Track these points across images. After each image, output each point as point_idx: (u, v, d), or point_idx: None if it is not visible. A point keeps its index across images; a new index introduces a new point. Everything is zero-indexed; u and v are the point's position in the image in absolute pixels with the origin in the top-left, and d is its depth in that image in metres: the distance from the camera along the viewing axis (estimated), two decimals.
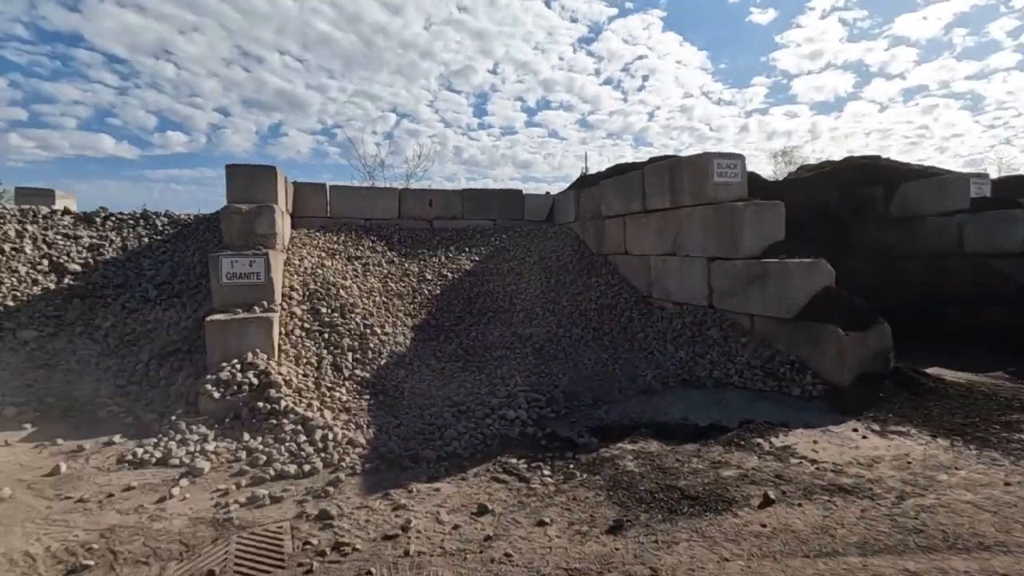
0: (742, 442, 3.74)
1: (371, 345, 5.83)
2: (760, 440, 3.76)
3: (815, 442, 3.69)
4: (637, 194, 7.30)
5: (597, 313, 7.17)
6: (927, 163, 13.20)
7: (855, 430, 3.85)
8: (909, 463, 3.31)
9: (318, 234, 8.42)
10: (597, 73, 72.82)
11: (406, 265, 8.32)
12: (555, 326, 7.04)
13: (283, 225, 7.04)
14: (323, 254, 7.84)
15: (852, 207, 9.01)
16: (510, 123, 64.69)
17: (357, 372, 5.43)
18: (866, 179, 8.98)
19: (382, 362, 5.69)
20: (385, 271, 7.99)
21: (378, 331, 6.14)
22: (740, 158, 6.10)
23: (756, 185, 10.04)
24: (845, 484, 3.06)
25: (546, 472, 3.42)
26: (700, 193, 6.12)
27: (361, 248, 8.42)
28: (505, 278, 8.34)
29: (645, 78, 71.47)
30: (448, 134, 57.65)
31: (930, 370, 5.28)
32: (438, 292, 7.82)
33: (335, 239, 8.43)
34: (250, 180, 6.52)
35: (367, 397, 5.05)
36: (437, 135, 57.08)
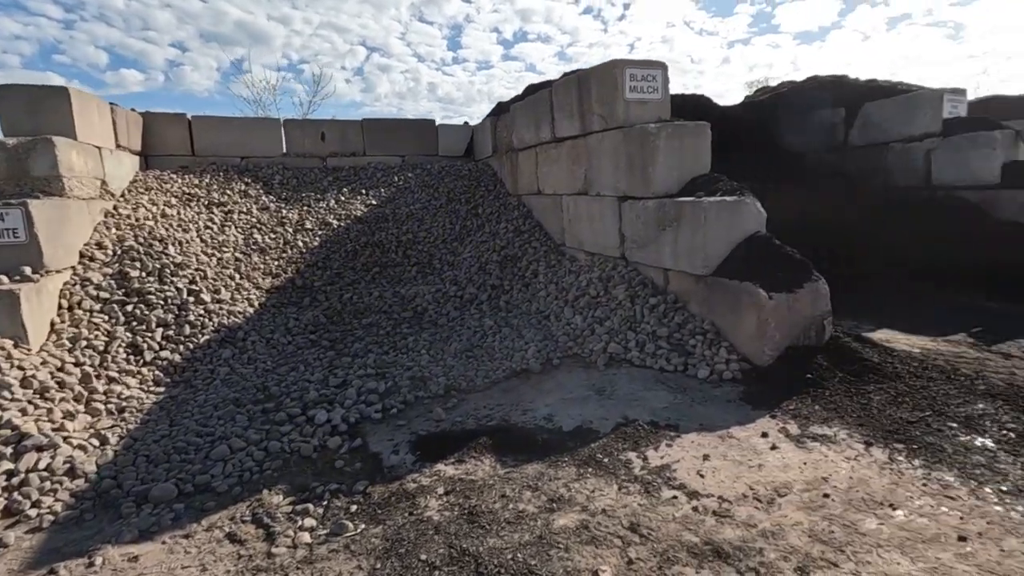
0: (606, 459, 2.67)
1: (191, 318, 4.59)
2: (632, 455, 2.70)
3: (705, 457, 2.63)
4: (546, 119, 5.95)
5: (499, 266, 5.98)
6: None
7: (764, 434, 2.80)
8: (826, 497, 2.27)
9: (175, 176, 6.94)
10: (576, 1, 68.41)
11: (283, 212, 6.95)
12: (448, 284, 5.86)
13: (105, 164, 5.58)
14: (174, 200, 6.41)
15: (811, 133, 7.78)
16: (486, 57, 60.79)
17: (165, 354, 4.23)
18: (827, 101, 7.71)
19: (204, 339, 4.48)
20: (253, 220, 6.63)
21: (207, 298, 4.87)
22: (660, 67, 4.76)
23: (703, 110, 8.73)
24: (725, 544, 2.01)
25: (308, 522, 2.32)
26: (610, 114, 4.81)
27: (229, 192, 7.00)
28: (402, 225, 7.05)
29: (627, 6, 67.39)
30: (422, 69, 53.93)
31: (880, 333, 4.26)
32: (316, 244, 6.52)
33: (196, 182, 6.97)
34: (33, 105, 4.99)
35: (162, 390, 3.87)
36: (410, 71, 53.36)
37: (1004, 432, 2.70)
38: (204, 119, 7.59)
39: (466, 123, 9.00)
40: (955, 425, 2.79)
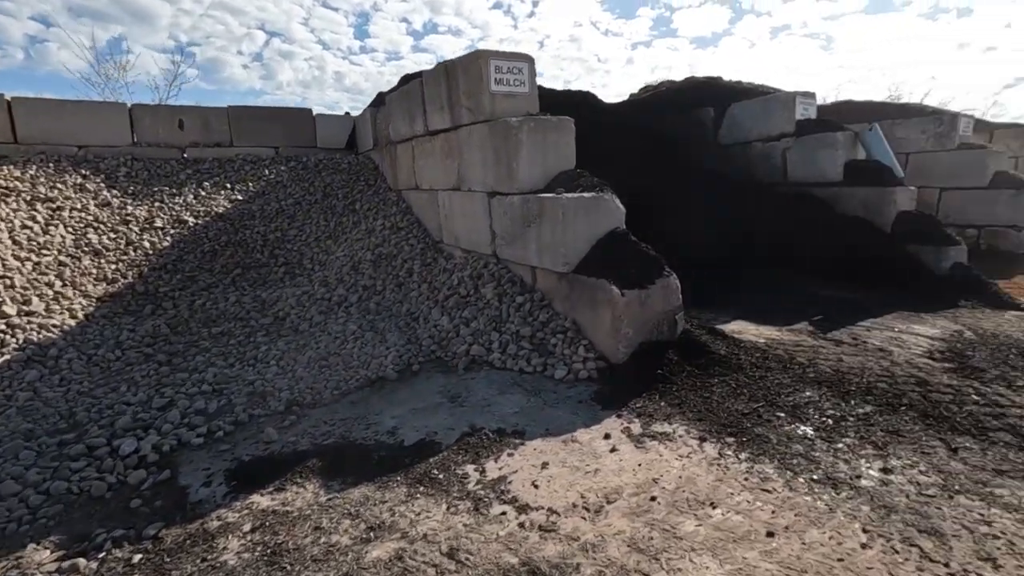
0: (442, 475, 2.49)
1: None
2: (471, 467, 2.54)
3: (544, 466, 2.53)
4: (419, 111, 5.69)
5: (373, 265, 5.66)
6: None
7: (607, 436, 2.76)
8: (653, 500, 2.24)
9: None
10: None
11: (129, 209, 6.18)
12: (317, 285, 5.45)
13: None
14: None
15: (687, 131, 8.11)
16: (395, 47, 58.94)
17: None
18: (701, 100, 8.06)
19: (1, 360, 3.81)
20: (89, 218, 5.83)
21: (11, 311, 4.17)
22: (526, 60, 4.65)
23: (590, 106, 8.86)
24: (543, 564, 1.90)
25: None
26: (477, 107, 4.64)
27: (60, 186, 6.11)
28: (271, 223, 6.51)
29: (535, 3, 67.99)
30: (327, 57, 51.18)
31: (734, 325, 4.44)
32: (167, 245, 5.85)
33: (17, 174, 6.02)
34: None
35: None
36: (315, 58, 50.41)
37: (824, 419, 2.83)
38: (29, 101, 6.57)
39: (347, 114, 8.51)
40: (783, 415, 2.89)
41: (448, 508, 2.25)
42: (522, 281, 4.48)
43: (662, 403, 3.07)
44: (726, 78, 9.31)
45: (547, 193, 4.07)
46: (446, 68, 5.02)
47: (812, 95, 6.84)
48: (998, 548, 1.89)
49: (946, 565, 1.82)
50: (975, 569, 1.80)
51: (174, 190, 6.69)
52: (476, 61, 4.52)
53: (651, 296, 3.52)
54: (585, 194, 3.89)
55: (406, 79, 6.31)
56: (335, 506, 2.30)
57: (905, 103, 10.40)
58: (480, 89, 4.54)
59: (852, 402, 3.01)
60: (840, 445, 2.58)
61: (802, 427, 2.76)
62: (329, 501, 2.34)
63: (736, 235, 6.43)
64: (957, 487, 2.25)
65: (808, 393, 3.13)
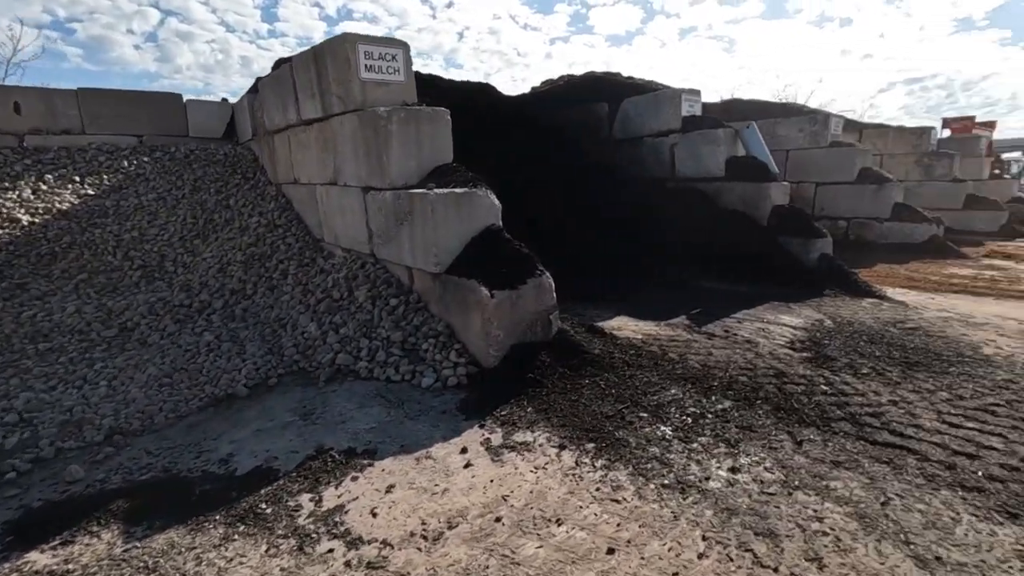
0: (270, 509, 2.21)
1: None
2: (306, 497, 2.28)
3: (389, 489, 2.32)
4: (291, 98, 5.25)
5: (243, 267, 5.17)
6: None
7: (464, 450, 2.59)
8: (498, 521, 2.08)
9: None
10: None
11: None
12: (178, 291, 4.90)
13: None
14: None
15: (583, 126, 8.14)
16: (307, 32, 56.16)
17: None
18: (597, 95, 8.11)
19: None
20: None
21: None
22: (400, 46, 4.37)
23: (489, 99, 8.68)
24: None
25: None
26: (347, 95, 4.30)
27: None
28: (127, 221, 5.81)
29: None
30: (232, 40, 47.54)
31: (615, 321, 4.43)
32: None
33: None
34: None
35: None
36: (218, 41, 46.61)
37: (684, 418, 2.82)
38: None
39: (224, 100, 7.80)
40: (646, 415, 2.86)
41: (268, 550, 1.98)
42: (399, 282, 4.22)
43: (529, 409, 2.95)
44: (630, 74, 9.47)
45: (419, 189, 3.83)
46: (315, 53, 4.64)
47: (697, 92, 7.05)
48: (825, 546, 1.90)
49: (775, 570, 1.80)
50: (802, 571, 1.79)
51: (7, 184, 5.80)
52: (343, 45, 4.18)
53: (523, 296, 3.39)
54: (456, 189, 3.70)
55: (279, 63, 5.81)
56: (130, 559, 1.96)
57: (786, 103, 11.10)
58: (349, 76, 4.21)
59: (713, 398, 3.04)
60: (695, 445, 2.57)
61: (662, 427, 2.73)
62: (125, 553, 1.99)
63: (625, 230, 6.51)
64: (797, 482, 2.27)
65: (674, 391, 3.13)
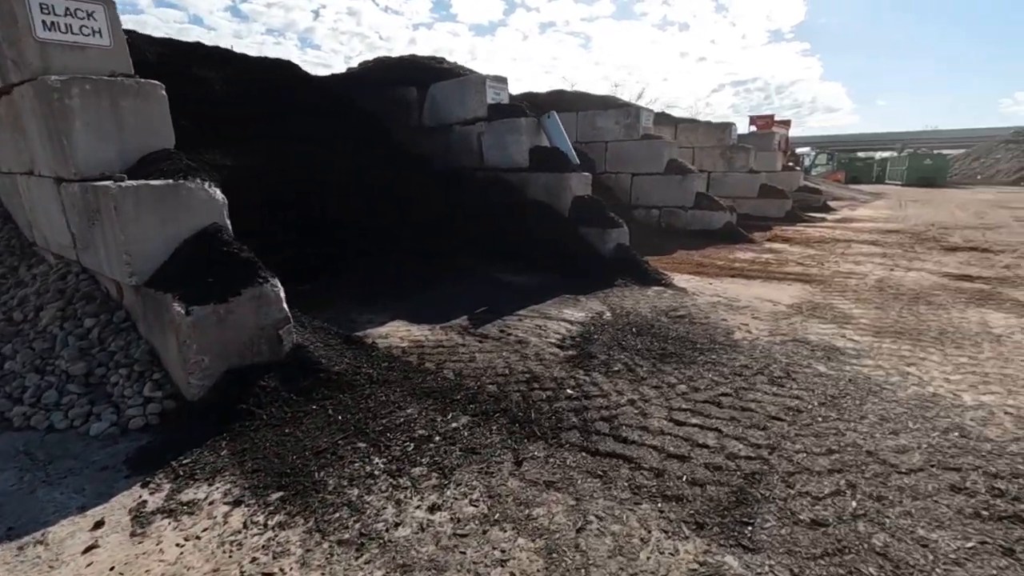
0: None
1: None
2: None
3: None
4: None
5: None
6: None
7: (100, 523, 1.99)
8: None
9: None
10: None
11: None
12: None
13: None
14: None
15: (393, 111, 7.61)
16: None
17: None
18: (408, 79, 7.62)
19: None
20: None
21: None
22: (101, 2, 3.49)
23: (291, 78, 7.81)
24: None
25: None
26: (22, 59, 3.35)
27: None
28: None
29: None
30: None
31: (386, 327, 4.03)
32: None
33: None
34: None
35: None
36: None
37: (406, 444, 2.48)
38: None
39: None
40: (363, 445, 2.47)
41: None
42: (106, 297, 3.41)
43: (224, 452, 2.42)
44: (449, 59, 9.09)
45: (101, 182, 3.06)
46: None
47: (503, 79, 6.87)
48: None
49: None
50: None
51: None
52: None
53: (236, 311, 2.82)
54: (153, 182, 2.99)
55: None
56: None
57: (606, 95, 11.54)
58: (18, 34, 3.26)
59: (450, 415, 2.74)
60: (404, 480, 2.23)
61: (376, 460, 2.36)
62: None
63: (431, 223, 6.16)
64: (499, 515, 2.02)
65: (410, 410, 2.78)
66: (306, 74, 8.07)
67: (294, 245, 4.92)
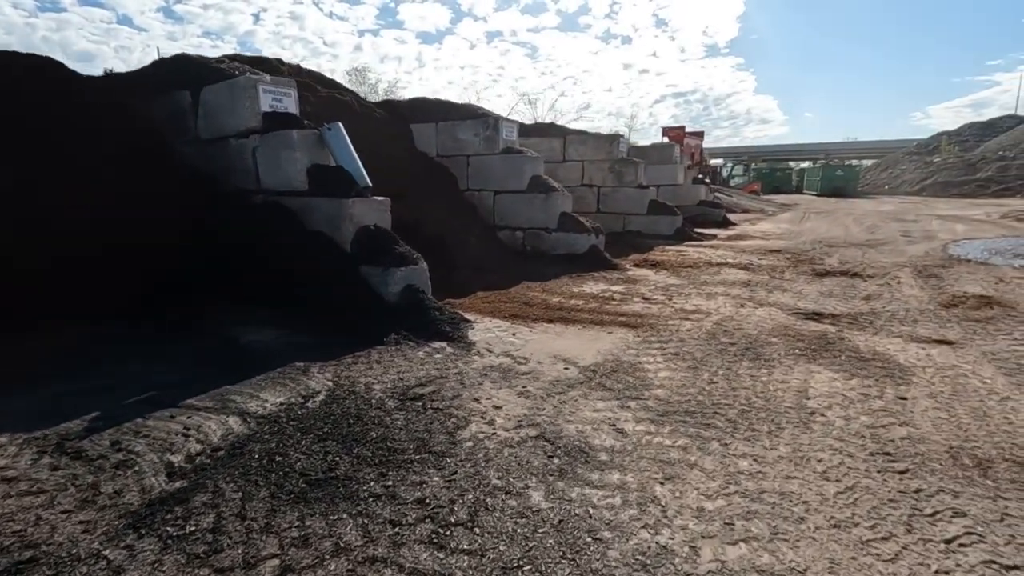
0: None
1: None
2: None
3: None
4: None
5: None
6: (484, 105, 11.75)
7: None
8: None
9: None
10: None
11: None
12: None
13: None
14: None
15: (166, 120, 6.24)
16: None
17: None
18: (182, 82, 6.25)
19: None
20: None
21: None
22: None
23: (48, 81, 6.33)
24: None
25: None
26: None
27: None
28: None
29: None
30: None
31: None
32: None
33: None
34: None
35: None
36: None
37: None
38: None
39: None
40: None
41: None
42: None
43: None
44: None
45: None
46: None
47: (288, 82, 5.63)
48: None
49: None
50: None
51: None
52: None
53: None
54: None
55: None
56: None
57: (468, 104, 10.49)
58: None
59: None
60: None
61: None
62: None
63: (170, 267, 4.84)
64: None
65: None
66: (75, 74, 6.57)
67: None
